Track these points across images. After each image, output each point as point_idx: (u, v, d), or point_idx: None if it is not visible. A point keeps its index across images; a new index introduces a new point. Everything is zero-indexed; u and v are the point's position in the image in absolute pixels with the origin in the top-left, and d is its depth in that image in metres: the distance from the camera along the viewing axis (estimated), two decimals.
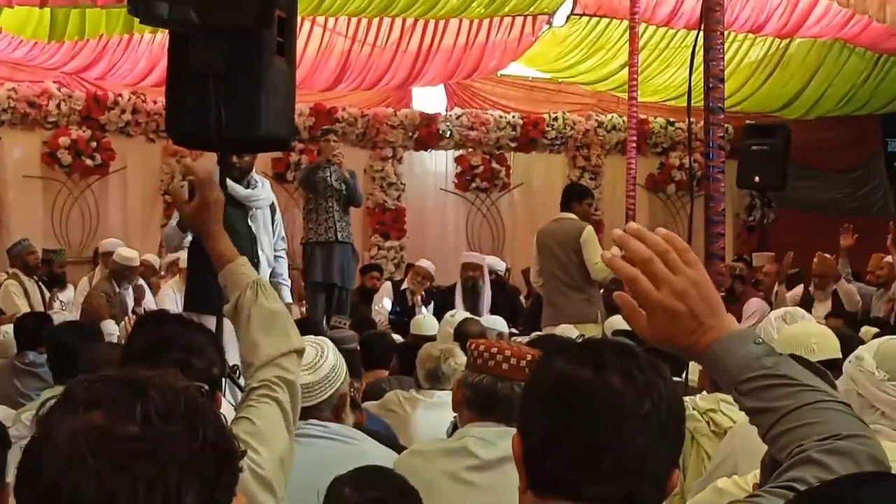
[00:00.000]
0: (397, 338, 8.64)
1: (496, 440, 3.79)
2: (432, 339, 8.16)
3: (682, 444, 2.11)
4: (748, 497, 2.11)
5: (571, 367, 2.02)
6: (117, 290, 10.83)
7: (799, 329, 4.92)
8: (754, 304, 11.41)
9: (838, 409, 2.05)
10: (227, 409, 3.43)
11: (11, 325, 8.67)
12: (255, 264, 7.15)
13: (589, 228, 9.98)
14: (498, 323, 8.94)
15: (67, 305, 11.41)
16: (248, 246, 7.28)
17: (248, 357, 3.17)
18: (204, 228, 3.41)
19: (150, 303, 11.13)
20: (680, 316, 2.09)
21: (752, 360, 2.07)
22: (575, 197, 10.38)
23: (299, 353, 3.24)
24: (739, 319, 10.57)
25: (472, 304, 11.81)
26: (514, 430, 3.76)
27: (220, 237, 3.38)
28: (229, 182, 7.11)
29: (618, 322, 8.73)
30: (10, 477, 4.30)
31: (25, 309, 10.60)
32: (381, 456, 3.94)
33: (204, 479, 1.53)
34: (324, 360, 4.05)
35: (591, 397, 1.98)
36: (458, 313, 8.97)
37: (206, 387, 2.98)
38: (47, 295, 11.55)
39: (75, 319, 8.67)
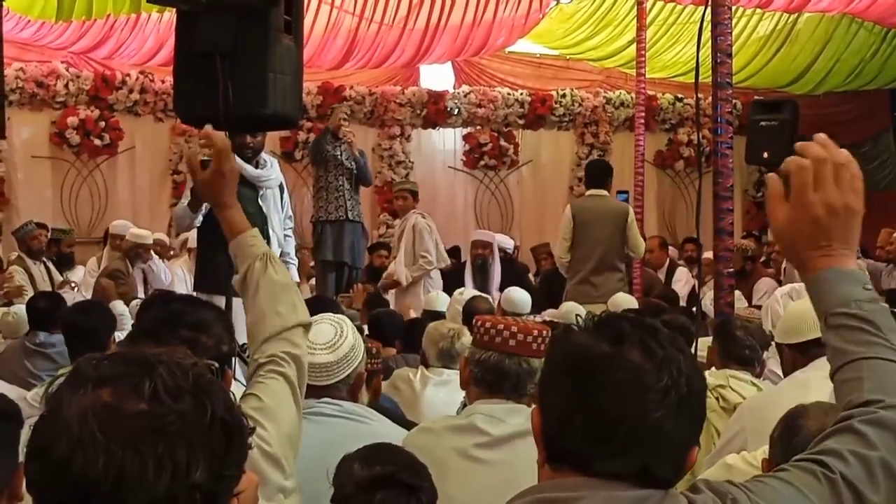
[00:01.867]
0: None
1: (505, 417, 3.79)
2: (443, 315, 8.18)
3: (703, 419, 2.11)
4: (775, 470, 2.11)
5: (590, 341, 2.03)
6: (131, 269, 10.85)
7: (803, 305, 4.92)
8: (765, 284, 11.38)
9: None
10: (236, 387, 3.43)
11: (20, 307, 8.70)
12: (267, 244, 7.16)
13: (631, 209, 10.17)
14: (522, 303, 8.79)
15: (79, 286, 11.43)
16: (259, 226, 7.26)
17: (255, 329, 3.17)
18: (218, 199, 3.41)
19: (160, 282, 11.14)
20: (818, 226, 2.11)
21: (851, 300, 2.09)
22: (608, 173, 10.52)
23: (306, 327, 3.24)
24: (750, 300, 10.64)
25: (482, 282, 11.82)
26: (522, 407, 3.80)
27: (233, 207, 3.39)
28: (240, 162, 7.12)
29: (624, 301, 8.75)
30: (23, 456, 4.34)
31: (31, 293, 10.62)
32: (394, 436, 3.92)
33: (213, 456, 1.54)
34: (343, 340, 4.04)
35: (608, 370, 1.98)
36: (467, 291, 8.98)
37: (216, 364, 2.98)
38: (56, 277, 11.56)
39: (90, 299, 8.66)
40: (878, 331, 2.06)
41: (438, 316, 7.95)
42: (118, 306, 8.33)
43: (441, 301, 8.80)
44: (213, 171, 3.40)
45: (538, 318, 7.45)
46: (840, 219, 2.11)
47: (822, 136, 2.20)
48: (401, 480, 3.05)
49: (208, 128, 3.63)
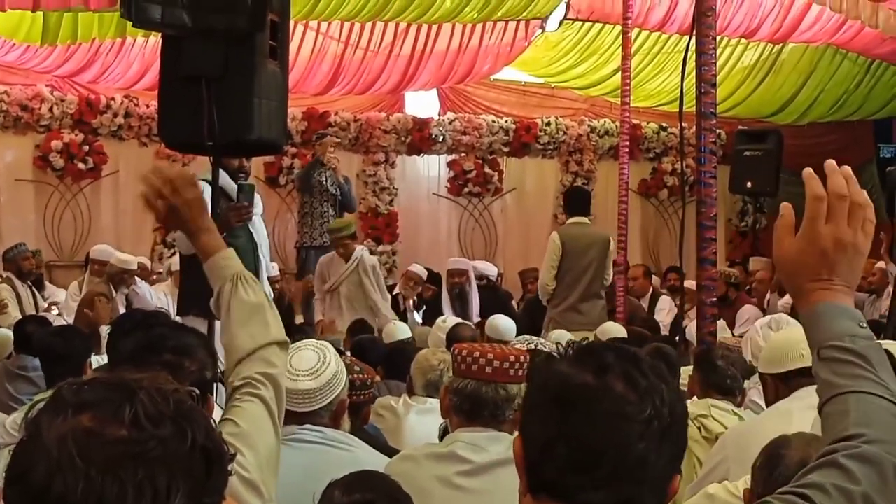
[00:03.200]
0: None
1: (486, 445, 3.78)
2: (407, 341, 8.18)
3: (685, 449, 2.10)
4: (759, 502, 2.11)
5: (573, 371, 2.01)
6: (114, 293, 10.81)
7: (786, 335, 4.93)
8: (748, 311, 11.42)
9: (892, 411, 2.05)
10: (218, 414, 3.42)
11: (3, 330, 8.67)
12: (256, 270, 7.14)
13: (612, 238, 10.28)
14: (507, 331, 8.69)
15: (61, 310, 11.38)
16: (250, 252, 7.24)
17: (229, 351, 3.12)
18: (187, 227, 3.36)
19: (146, 304, 11.09)
20: (824, 258, 2.13)
21: (846, 335, 2.09)
22: (589, 201, 10.59)
23: (281, 344, 3.17)
24: (732, 326, 10.66)
25: (461, 310, 11.84)
26: (504, 435, 3.80)
27: (206, 231, 3.32)
28: (230, 188, 7.12)
29: (612, 329, 8.74)
30: None
31: (16, 314, 10.58)
32: (376, 463, 3.92)
33: (193, 482, 1.53)
34: (326, 367, 4.03)
35: (591, 401, 1.97)
36: (450, 318, 8.97)
37: (197, 391, 2.97)
38: (40, 301, 11.54)
39: (67, 324, 8.63)
40: (870, 366, 2.07)
41: (403, 344, 7.95)
42: (104, 330, 8.31)
43: (399, 330, 8.72)
44: (164, 207, 3.35)
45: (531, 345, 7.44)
46: (847, 255, 2.13)
47: (847, 169, 2.21)
48: None
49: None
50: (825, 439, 2.07)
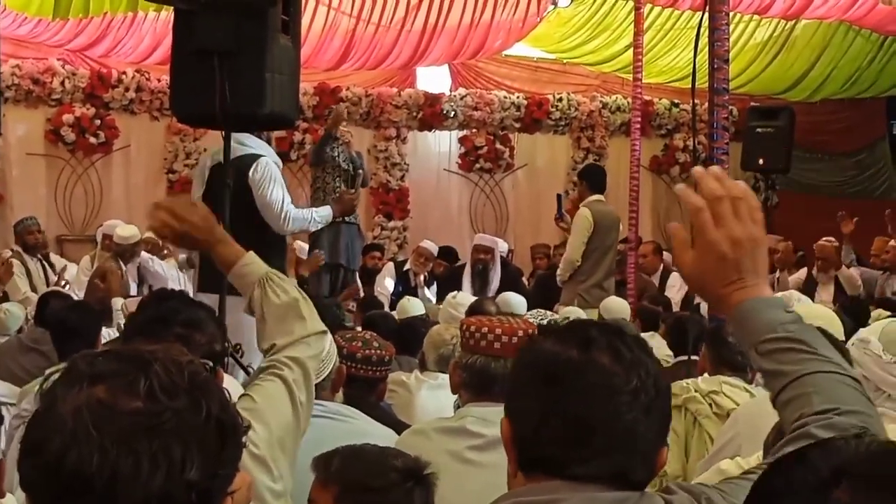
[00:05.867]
0: None
1: (497, 419, 3.76)
2: (421, 318, 8.19)
3: (670, 421, 2.13)
4: (743, 473, 2.14)
5: (558, 347, 2.05)
6: (124, 267, 10.82)
7: (800, 310, 4.92)
8: None
9: (846, 382, 2.07)
10: (231, 385, 3.43)
11: (12, 304, 8.69)
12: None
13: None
14: (518, 306, 8.69)
15: (71, 284, 11.38)
16: None
17: (266, 349, 3.21)
18: (199, 247, 3.43)
19: (158, 278, 11.10)
20: (726, 263, 2.12)
21: (777, 324, 2.10)
22: (605, 179, 10.63)
23: (318, 335, 3.24)
24: None
25: (480, 287, 11.83)
26: None
27: (217, 246, 3.37)
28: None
29: (616, 307, 8.76)
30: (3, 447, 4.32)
31: (26, 289, 10.60)
32: (380, 435, 3.94)
33: (208, 454, 1.54)
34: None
35: (579, 375, 2.01)
36: (460, 294, 8.95)
37: (210, 363, 2.98)
38: (51, 274, 11.53)
39: (80, 299, 8.63)
40: (810, 347, 2.08)
41: (416, 320, 7.96)
42: (116, 302, 8.32)
43: (413, 306, 8.74)
44: (180, 234, 3.39)
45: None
46: (746, 251, 2.12)
47: (715, 169, 2.21)
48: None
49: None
50: (787, 424, 2.08)
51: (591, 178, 10.63)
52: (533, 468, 2.04)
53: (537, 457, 2.03)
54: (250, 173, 7.00)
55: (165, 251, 12.58)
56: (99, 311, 6.65)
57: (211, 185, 7.01)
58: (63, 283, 11.08)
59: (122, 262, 10.84)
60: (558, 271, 10.39)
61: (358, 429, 3.98)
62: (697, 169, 2.20)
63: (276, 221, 7.13)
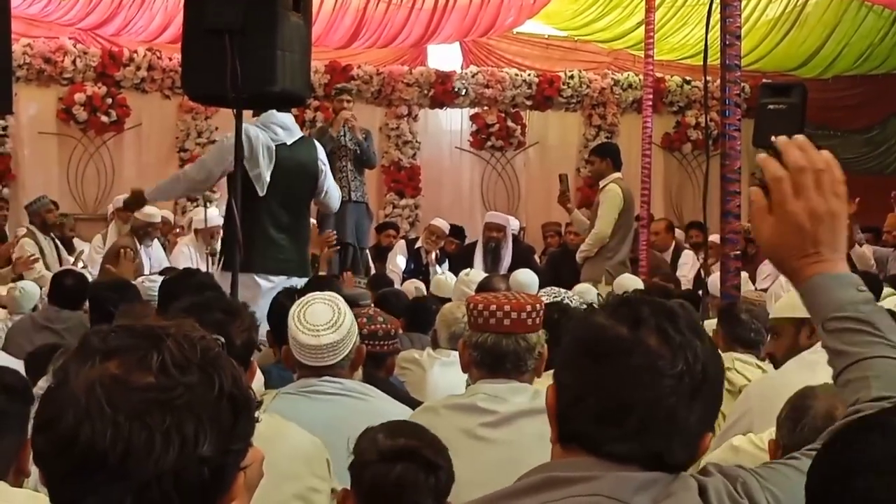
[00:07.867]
0: None
1: (508, 396, 3.77)
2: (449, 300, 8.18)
3: (720, 405, 2.09)
4: (786, 457, 2.11)
5: (608, 323, 2.02)
6: (139, 247, 10.82)
7: None
8: (768, 266, 11.34)
9: None
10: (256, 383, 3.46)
11: (27, 282, 8.71)
12: None
13: None
14: (530, 284, 8.61)
15: (86, 263, 11.40)
16: None
17: None
18: None
19: (159, 260, 11.10)
20: (804, 234, 2.10)
21: (847, 303, 2.08)
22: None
23: None
24: (753, 282, 10.64)
25: (492, 265, 11.83)
26: (525, 386, 3.80)
27: None
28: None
29: (628, 282, 8.76)
30: None
31: (40, 268, 10.62)
32: (394, 412, 3.94)
33: (220, 429, 1.54)
34: (343, 317, 4.05)
35: (623, 354, 1.98)
36: (472, 272, 8.94)
37: (223, 339, 3.00)
38: (64, 253, 11.55)
39: (115, 279, 8.62)
40: (878, 330, 2.06)
41: (443, 301, 7.95)
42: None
43: (447, 286, 8.79)
44: None
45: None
46: (825, 224, 2.10)
47: (801, 138, 2.18)
48: (424, 456, 3.04)
49: None
50: (847, 404, 2.07)
51: (615, 157, 10.59)
52: (569, 440, 2.03)
53: (574, 430, 2.02)
54: (319, 154, 7.20)
55: (177, 230, 12.61)
56: (137, 293, 6.64)
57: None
58: (80, 264, 11.10)
59: (136, 241, 10.83)
60: (582, 246, 10.30)
61: (374, 406, 3.98)
62: (781, 138, 2.17)
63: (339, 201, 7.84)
